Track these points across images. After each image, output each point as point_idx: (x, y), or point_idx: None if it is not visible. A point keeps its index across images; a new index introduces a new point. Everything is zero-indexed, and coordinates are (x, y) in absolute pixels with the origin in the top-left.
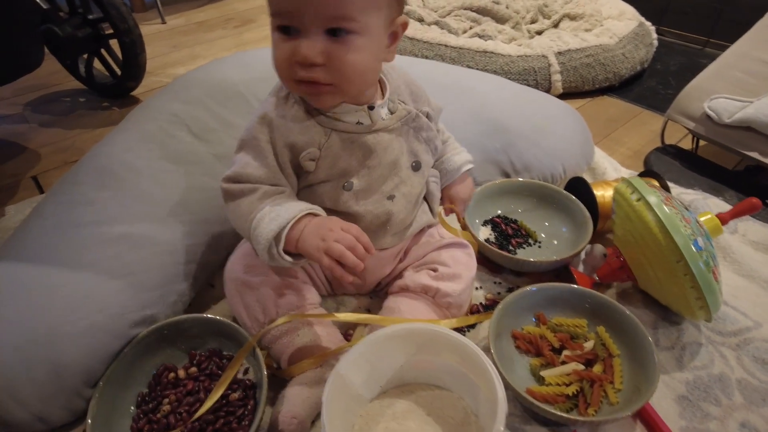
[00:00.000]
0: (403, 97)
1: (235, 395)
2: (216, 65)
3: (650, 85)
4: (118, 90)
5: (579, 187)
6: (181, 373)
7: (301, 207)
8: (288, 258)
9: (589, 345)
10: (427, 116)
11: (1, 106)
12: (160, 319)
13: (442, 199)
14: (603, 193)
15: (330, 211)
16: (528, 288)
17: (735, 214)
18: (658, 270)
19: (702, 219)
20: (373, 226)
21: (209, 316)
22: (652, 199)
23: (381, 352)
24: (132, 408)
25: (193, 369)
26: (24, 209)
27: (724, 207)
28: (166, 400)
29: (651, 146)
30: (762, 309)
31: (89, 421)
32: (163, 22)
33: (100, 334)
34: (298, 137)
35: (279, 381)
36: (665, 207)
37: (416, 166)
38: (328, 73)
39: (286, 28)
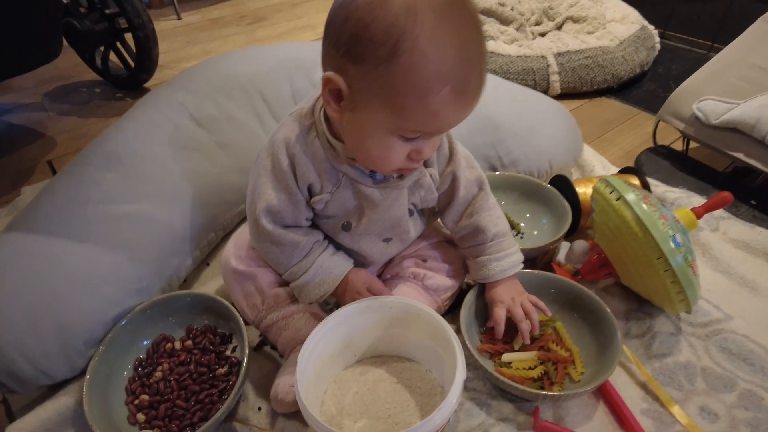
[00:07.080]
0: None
1: (222, 370)
2: (223, 59)
3: (650, 88)
4: (132, 82)
5: (562, 184)
6: (177, 344)
7: (340, 272)
8: None
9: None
10: (431, 176)
11: (22, 96)
12: (155, 290)
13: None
14: (585, 190)
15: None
16: None
17: (708, 208)
18: (639, 266)
19: (678, 215)
20: (370, 258)
21: (205, 293)
22: (630, 196)
23: (356, 323)
24: (129, 370)
25: (189, 342)
26: (38, 191)
27: None
28: (160, 368)
29: (644, 147)
30: (735, 304)
31: (88, 377)
32: (179, 18)
33: (99, 300)
34: (315, 179)
35: (272, 359)
36: (643, 204)
37: (413, 213)
38: None
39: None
